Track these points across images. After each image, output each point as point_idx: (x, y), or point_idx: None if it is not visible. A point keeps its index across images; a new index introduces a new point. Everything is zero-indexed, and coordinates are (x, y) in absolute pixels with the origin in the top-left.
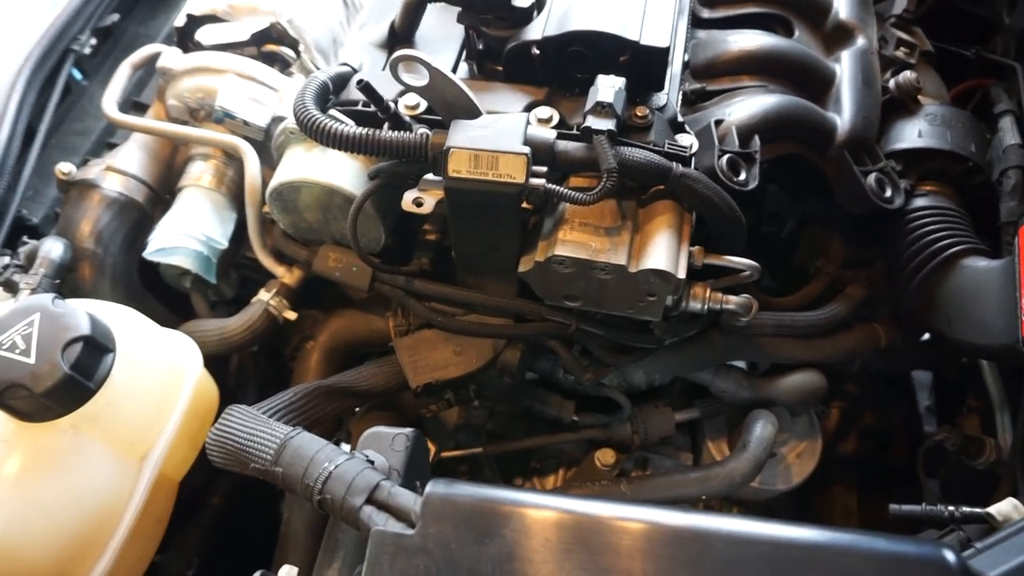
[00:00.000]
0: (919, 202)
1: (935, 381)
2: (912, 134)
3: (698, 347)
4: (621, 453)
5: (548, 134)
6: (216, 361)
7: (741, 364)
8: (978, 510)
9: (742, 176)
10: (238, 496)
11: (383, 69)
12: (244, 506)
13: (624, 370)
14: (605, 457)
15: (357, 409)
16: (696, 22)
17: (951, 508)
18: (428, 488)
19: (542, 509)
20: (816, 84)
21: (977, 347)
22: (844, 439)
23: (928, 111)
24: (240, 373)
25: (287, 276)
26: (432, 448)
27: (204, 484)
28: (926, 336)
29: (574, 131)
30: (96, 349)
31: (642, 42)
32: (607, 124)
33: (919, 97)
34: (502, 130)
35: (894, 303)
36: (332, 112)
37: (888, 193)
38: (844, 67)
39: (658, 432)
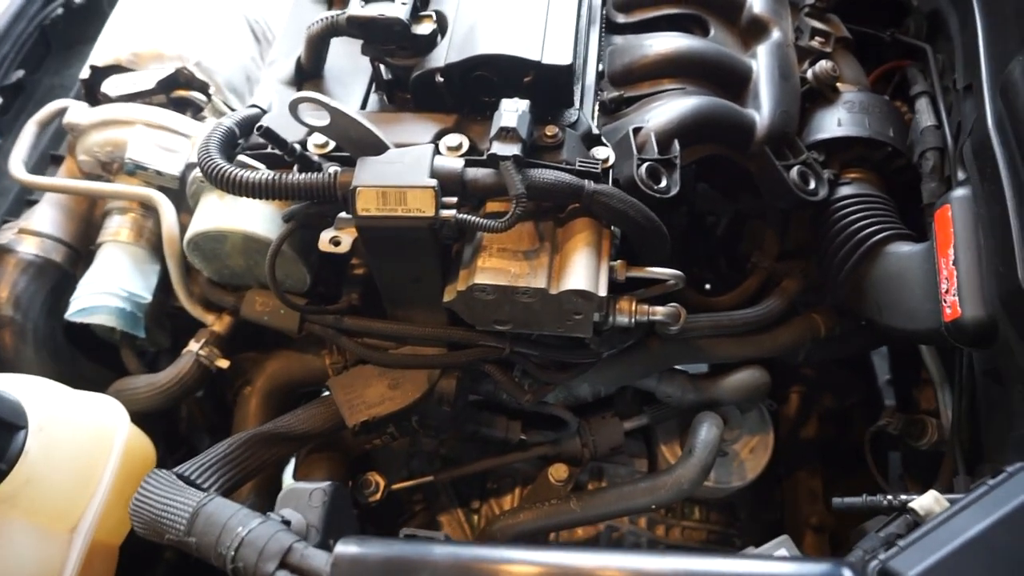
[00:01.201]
0: (843, 191)
1: (890, 355)
2: (831, 123)
3: (637, 356)
4: (573, 467)
5: (456, 163)
6: (165, 410)
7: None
8: (904, 497)
9: (663, 183)
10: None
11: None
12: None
13: (569, 384)
14: (558, 473)
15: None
16: (611, 28)
17: (889, 497)
18: (337, 548)
19: (453, 560)
20: (734, 82)
21: (905, 332)
22: (805, 424)
23: (846, 99)
24: (191, 420)
25: (217, 324)
26: (381, 482)
27: (152, 543)
28: None
29: (483, 157)
30: (4, 428)
31: (544, 61)
32: (513, 149)
33: (839, 84)
34: (409, 164)
35: (828, 293)
36: (240, 158)
37: (812, 185)
38: (760, 62)
39: (607, 443)
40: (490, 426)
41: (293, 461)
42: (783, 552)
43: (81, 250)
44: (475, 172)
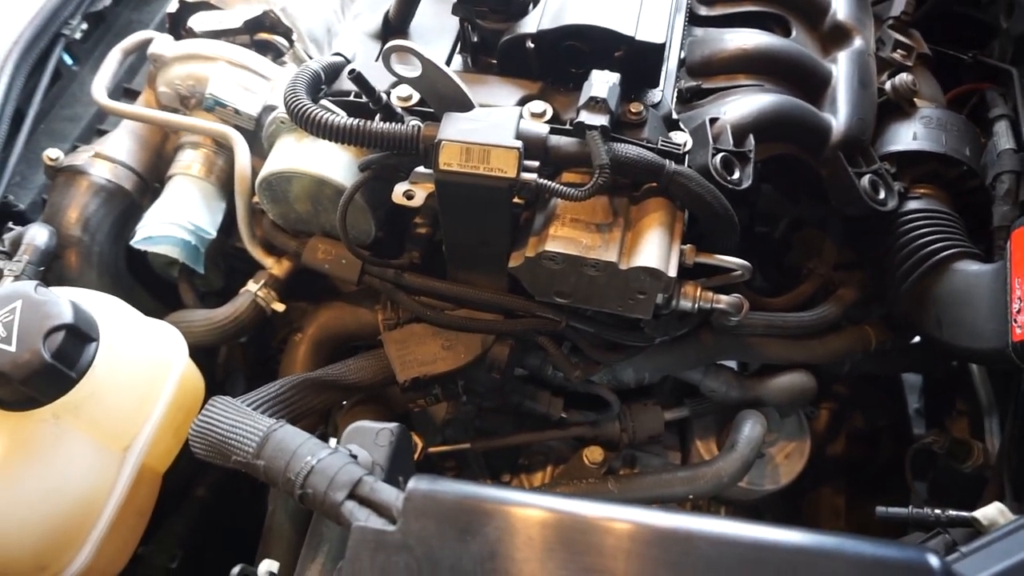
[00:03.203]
0: (912, 205)
1: (924, 383)
2: (907, 136)
3: (688, 346)
4: (609, 451)
5: (541, 128)
6: (204, 352)
7: (731, 363)
8: (964, 514)
9: (736, 175)
10: (224, 488)
11: (376, 60)
12: (230, 498)
13: (614, 368)
14: (593, 455)
15: (344, 402)
16: (693, 19)
17: (937, 511)
18: (410, 484)
19: (525, 507)
20: (812, 84)
21: (967, 351)
22: (833, 440)
23: (923, 114)
24: (228, 364)
25: (276, 267)
26: (419, 443)
27: (189, 476)
28: (916, 339)
29: (567, 126)
30: (79, 338)
31: (638, 37)
32: (600, 120)
33: (915, 100)
34: (494, 124)
35: (886, 305)
36: (323, 102)
37: (882, 195)
38: (840, 68)
39: (647, 431)
40: (533, 399)
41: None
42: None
43: (150, 181)
44: (559, 140)
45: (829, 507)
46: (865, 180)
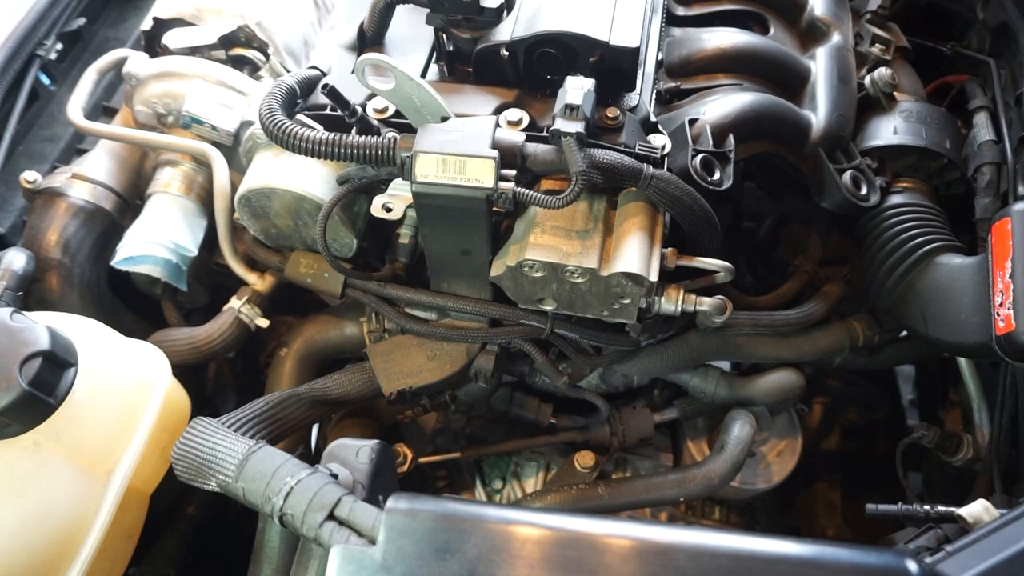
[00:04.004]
0: (894, 199)
1: (918, 374)
2: (887, 131)
3: (675, 348)
4: (600, 455)
5: (517, 137)
6: (194, 369)
7: (723, 364)
8: (952, 510)
9: (716, 176)
10: (214, 506)
11: (351, 73)
12: (221, 516)
13: (602, 372)
14: (584, 459)
15: (333, 416)
16: (671, 19)
17: (927, 507)
18: (389, 503)
19: (505, 524)
20: (791, 82)
21: (952, 344)
22: (827, 435)
23: (903, 108)
24: (218, 380)
25: (259, 283)
26: (408, 454)
27: (179, 494)
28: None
29: (544, 133)
30: (56, 364)
31: (612, 42)
32: (576, 126)
33: (895, 94)
34: (470, 134)
35: (869, 301)
36: (299, 117)
37: (864, 191)
38: (819, 64)
39: (637, 434)
40: (521, 407)
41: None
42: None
43: (130, 201)
44: (535, 147)
45: (825, 502)
46: (847, 176)
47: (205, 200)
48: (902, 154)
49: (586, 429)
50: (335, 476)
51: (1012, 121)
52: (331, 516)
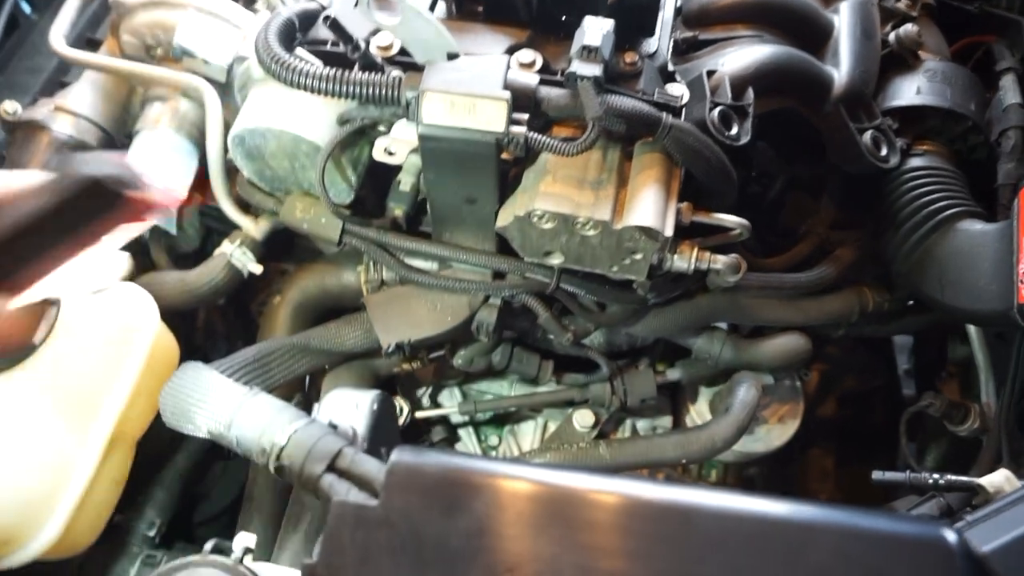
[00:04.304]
0: (915, 162)
1: (915, 344)
2: (910, 91)
3: (682, 307)
4: (600, 415)
5: (530, 79)
6: (183, 315)
7: (723, 326)
8: (964, 479)
9: (734, 130)
10: (204, 453)
11: (355, 6)
12: (210, 464)
13: (605, 330)
14: (584, 419)
15: (327, 367)
16: None
17: (935, 476)
18: (393, 456)
19: (516, 480)
20: (813, 35)
21: (968, 312)
22: (824, 402)
23: (928, 67)
24: (208, 328)
25: (252, 227)
26: (405, 408)
27: (168, 441)
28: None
29: (558, 77)
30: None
31: None
32: (594, 69)
33: (919, 52)
34: (481, 73)
35: (885, 266)
36: (298, 51)
37: (884, 152)
38: (843, 18)
39: (639, 394)
40: (523, 363)
41: None
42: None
43: (116, 136)
44: (549, 91)
45: (819, 468)
46: (867, 136)
47: (196, 139)
48: (925, 115)
49: (587, 388)
50: (334, 427)
51: None
52: (331, 467)
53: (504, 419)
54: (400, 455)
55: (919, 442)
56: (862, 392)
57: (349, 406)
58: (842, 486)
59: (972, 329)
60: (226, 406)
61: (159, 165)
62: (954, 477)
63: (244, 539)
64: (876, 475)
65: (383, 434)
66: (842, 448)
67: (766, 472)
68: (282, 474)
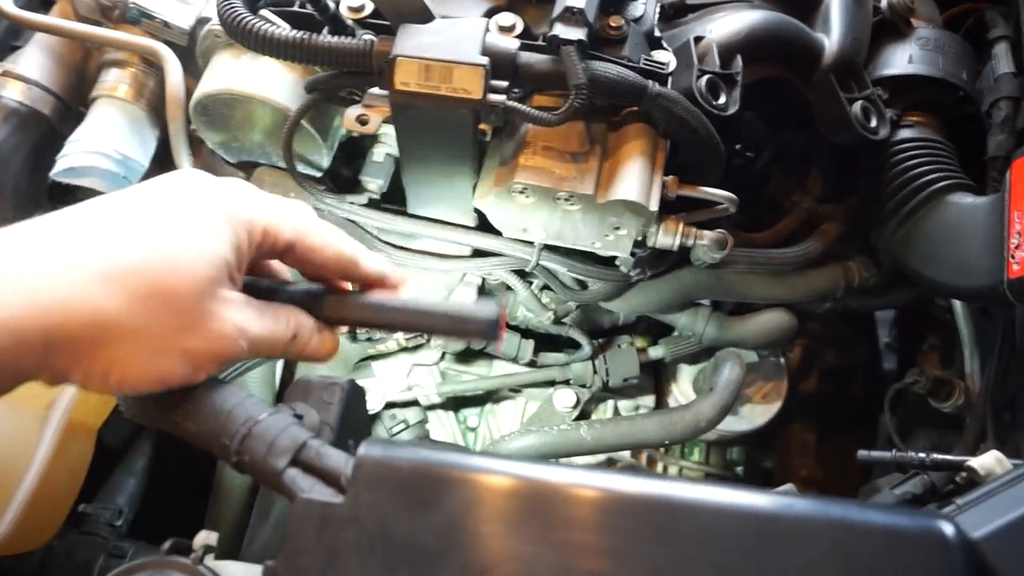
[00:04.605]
0: (904, 133)
1: (896, 317)
2: (902, 59)
3: (667, 285)
4: (581, 395)
5: (510, 43)
6: None
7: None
8: (952, 458)
9: (722, 99)
10: (174, 440)
11: None
12: (180, 450)
13: (587, 308)
14: (565, 399)
15: None
16: None
17: (922, 455)
18: (361, 449)
19: (492, 475)
20: (804, 1)
21: (957, 288)
22: (806, 377)
23: (920, 35)
24: None
25: None
26: (381, 390)
27: (134, 427)
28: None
29: (539, 42)
30: None
31: None
32: (577, 33)
33: (911, 19)
34: (457, 37)
35: (871, 240)
36: (263, 12)
37: (873, 123)
38: None
39: (621, 373)
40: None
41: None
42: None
43: (71, 104)
44: (530, 56)
45: (800, 444)
46: (857, 106)
47: (157, 107)
48: (916, 85)
49: (567, 367)
50: (299, 417)
51: None
52: (295, 461)
53: (483, 400)
54: (368, 448)
55: (900, 417)
56: (843, 367)
57: (316, 393)
58: (823, 461)
59: (957, 305)
60: (183, 396)
61: (119, 135)
62: (941, 457)
63: (204, 537)
64: (861, 454)
65: (352, 424)
66: (823, 423)
67: (749, 449)
68: (243, 469)
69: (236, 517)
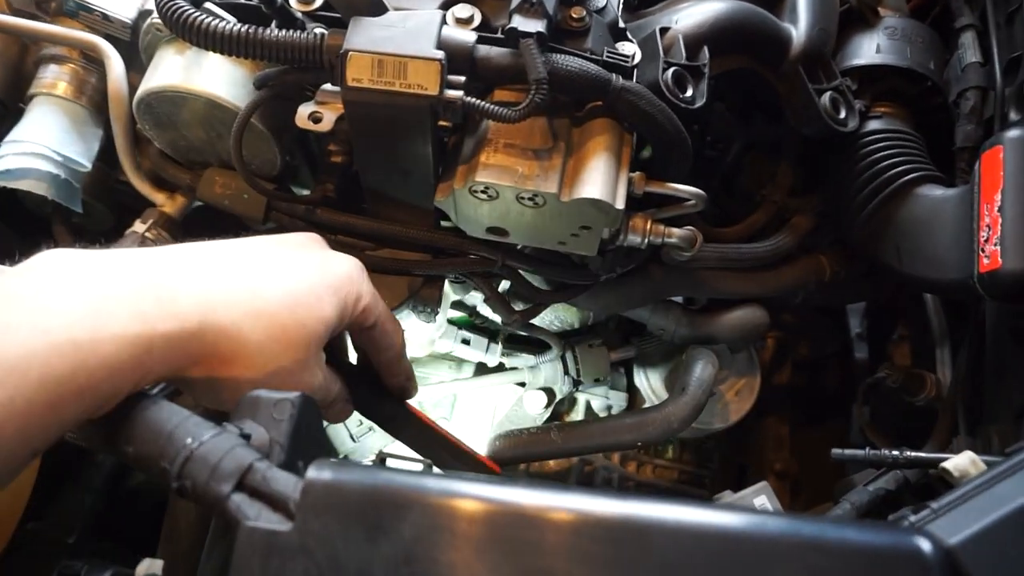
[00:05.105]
0: (873, 125)
1: (867, 308)
2: (870, 49)
3: (636, 283)
4: (552, 396)
5: (467, 36)
6: None
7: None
8: (926, 455)
9: (689, 92)
10: None
11: None
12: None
13: (556, 308)
14: (535, 401)
15: None
16: None
17: (895, 453)
18: (310, 472)
19: (450, 498)
20: None
21: (927, 281)
22: (779, 370)
23: (888, 24)
24: None
25: (167, 204)
26: None
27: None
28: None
29: (498, 35)
30: None
31: None
32: (537, 25)
33: (879, 8)
34: (412, 30)
35: (842, 233)
36: (207, 5)
37: (842, 115)
38: None
39: (592, 373)
40: (468, 344)
41: None
42: (763, 500)
43: (8, 103)
44: (488, 50)
45: (774, 437)
46: (825, 98)
47: (100, 105)
48: (884, 75)
49: (536, 369)
50: (247, 436)
51: (1002, 42)
52: (240, 486)
53: (451, 402)
54: (317, 471)
55: (873, 408)
56: (816, 359)
57: (266, 410)
58: (798, 454)
59: (928, 297)
60: (119, 414)
61: (58, 136)
62: (914, 454)
63: (148, 566)
64: (835, 452)
65: (306, 441)
66: (796, 414)
67: (723, 445)
68: (184, 495)
69: (191, 542)
